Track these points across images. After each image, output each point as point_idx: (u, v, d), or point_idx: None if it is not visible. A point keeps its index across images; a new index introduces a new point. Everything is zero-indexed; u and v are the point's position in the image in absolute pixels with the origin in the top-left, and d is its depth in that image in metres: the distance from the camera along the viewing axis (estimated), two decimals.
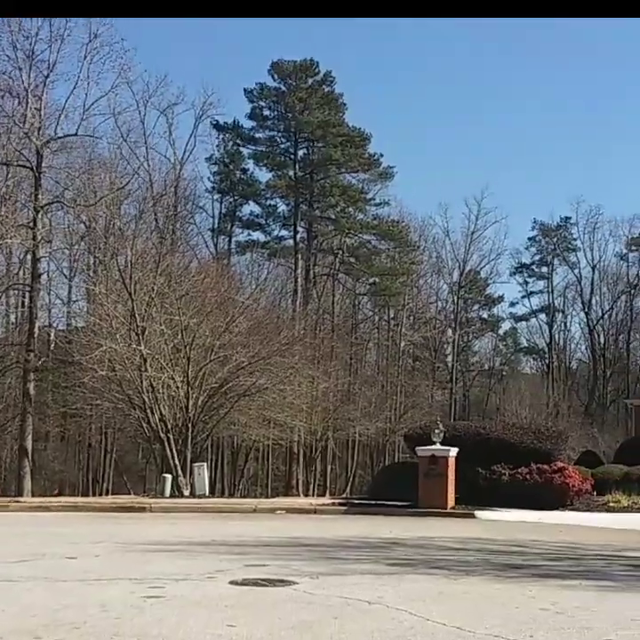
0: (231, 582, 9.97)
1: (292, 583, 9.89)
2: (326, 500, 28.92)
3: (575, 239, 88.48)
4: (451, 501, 22.33)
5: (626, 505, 22.87)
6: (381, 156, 66.15)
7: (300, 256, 65.41)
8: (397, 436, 59.22)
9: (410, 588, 9.90)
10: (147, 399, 31.23)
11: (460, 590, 9.83)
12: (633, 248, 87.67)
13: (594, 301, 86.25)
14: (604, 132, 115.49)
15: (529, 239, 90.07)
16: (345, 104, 67.12)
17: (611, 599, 9.45)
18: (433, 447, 22.82)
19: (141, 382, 31.23)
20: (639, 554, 14.81)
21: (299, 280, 64.46)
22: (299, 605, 8.59)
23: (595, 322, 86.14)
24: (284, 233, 69.30)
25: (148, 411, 31.32)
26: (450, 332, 79.11)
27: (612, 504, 22.95)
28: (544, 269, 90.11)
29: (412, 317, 75.61)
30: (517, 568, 11.98)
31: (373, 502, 23.63)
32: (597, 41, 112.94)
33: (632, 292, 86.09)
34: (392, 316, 73.22)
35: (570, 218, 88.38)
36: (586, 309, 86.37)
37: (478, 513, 21.47)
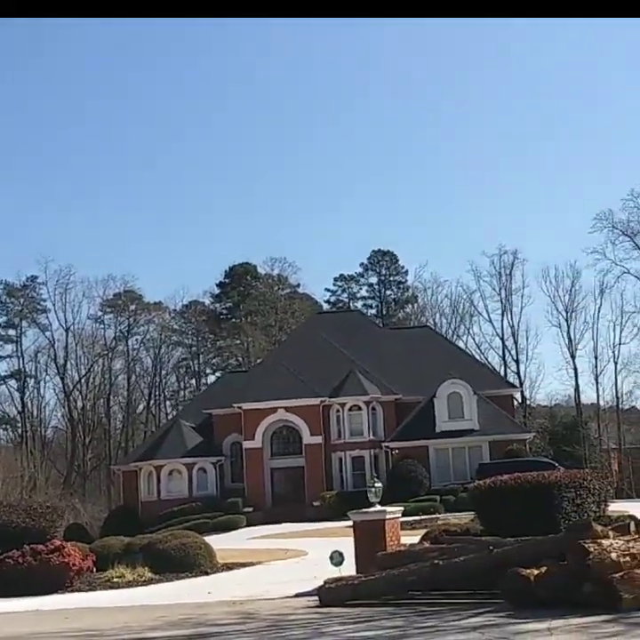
0: None
1: None
2: None
3: (45, 300, 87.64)
4: None
5: (131, 579, 22.05)
6: None
7: None
8: None
9: None
10: None
11: None
12: (108, 310, 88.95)
13: (69, 365, 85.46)
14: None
15: None
16: None
17: None
18: None
19: None
20: (160, 633, 14.00)
21: None
22: None
23: (71, 387, 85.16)
24: None
25: None
26: None
27: (116, 579, 22.02)
28: (12, 332, 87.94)
29: None
30: None
31: None
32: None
33: (109, 354, 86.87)
34: None
35: (37, 277, 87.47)
36: (61, 374, 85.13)
37: None
